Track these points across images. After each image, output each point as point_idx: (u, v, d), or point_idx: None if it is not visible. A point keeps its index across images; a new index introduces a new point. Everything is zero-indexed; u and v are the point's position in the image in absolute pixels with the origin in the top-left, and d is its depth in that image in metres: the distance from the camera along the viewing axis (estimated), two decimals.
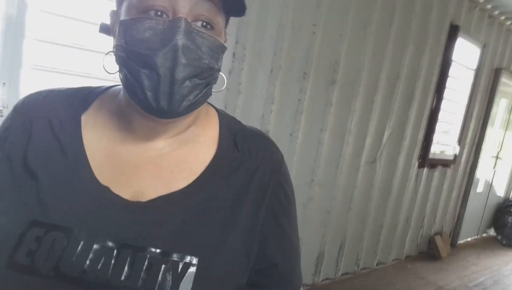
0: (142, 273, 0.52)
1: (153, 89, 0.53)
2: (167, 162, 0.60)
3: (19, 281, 0.52)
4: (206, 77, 0.56)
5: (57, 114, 0.62)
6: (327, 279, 2.91)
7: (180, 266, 0.53)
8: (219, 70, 0.58)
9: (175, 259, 0.54)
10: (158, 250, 0.54)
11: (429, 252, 3.92)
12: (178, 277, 0.53)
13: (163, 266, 0.53)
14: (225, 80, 0.63)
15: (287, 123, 2.33)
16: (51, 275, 0.51)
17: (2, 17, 1.36)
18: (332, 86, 2.49)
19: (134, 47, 0.53)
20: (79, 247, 0.52)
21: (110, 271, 0.52)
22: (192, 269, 0.54)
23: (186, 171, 0.60)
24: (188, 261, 0.54)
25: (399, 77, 2.96)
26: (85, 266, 0.52)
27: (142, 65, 0.53)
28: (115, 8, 0.59)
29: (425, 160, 3.50)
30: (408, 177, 3.40)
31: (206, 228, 0.57)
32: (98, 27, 0.63)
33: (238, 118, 2.22)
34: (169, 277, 0.52)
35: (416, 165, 3.46)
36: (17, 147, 0.60)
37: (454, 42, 3.36)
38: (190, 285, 0.53)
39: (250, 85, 2.09)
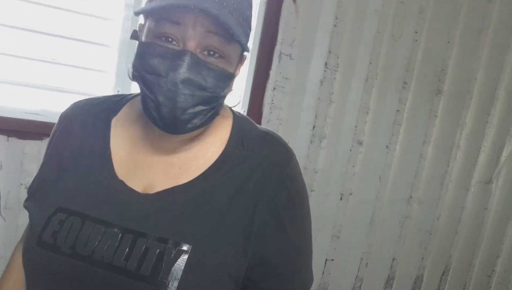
0: (139, 256, 0.58)
1: (158, 112, 0.58)
2: (177, 160, 0.66)
3: (45, 256, 0.61)
4: (211, 103, 0.60)
5: (91, 117, 0.71)
6: None
7: (174, 252, 0.57)
8: (224, 96, 0.62)
9: (170, 245, 0.58)
10: (156, 236, 0.59)
11: None
12: (171, 262, 0.57)
13: (158, 251, 0.57)
14: (241, 100, 0.68)
15: (383, 134, 2.23)
16: (68, 253, 0.60)
17: None
18: (438, 96, 2.31)
19: (144, 70, 0.58)
20: (91, 231, 0.60)
21: (114, 253, 0.59)
22: (185, 256, 0.57)
23: (193, 168, 0.65)
24: (182, 248, 0.58)
25: None
26: (95, 247, 0.59)
27: (149, 89, 0.58)
28: (142, 22, 0.65)
29: None
30: None
31: (202, 219, 0.61)
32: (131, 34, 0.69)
33: (329, 128, 2.22)
34: (162, 262, 0.57)
35: None
36: (58, 147, 0.71)
37: None
38: (181, 271, 0.56)
39: (343, 94, 2.05)
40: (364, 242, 2.34)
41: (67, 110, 0.76)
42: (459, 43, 2.27)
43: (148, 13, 0.59)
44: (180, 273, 0.57)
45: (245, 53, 0.65)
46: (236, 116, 0.71)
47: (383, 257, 2.44)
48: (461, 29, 2.26)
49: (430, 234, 2.56)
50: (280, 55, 1.85)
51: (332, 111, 2.05)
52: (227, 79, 0.61)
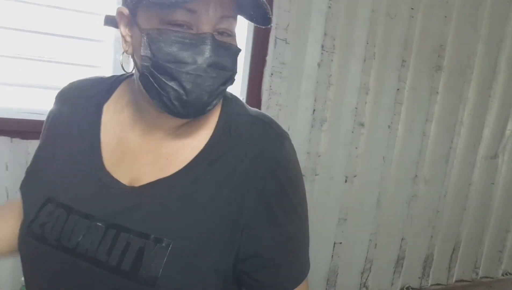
0: (121, 252, 0.57)
1: (180, 100, 0.56)
2: (166, 150, 0.63)
3: (34, 246, 0.62)
4: (228, 82, 0.61)
5: (82, 101, 0.70)
6: (437, 284, 2.67)
7: (154, 248, 0.56)
8: (236, 72, 0.62)
9: (150, 241, 0.56)
10: (138, 231, 0.57)
11: None
12: (151, 258, 0.56)
13: (138, 246, 0.56)
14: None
15: (384, 114, 2.21)
16: (54, 244, 0.60)
17: None
18: (438, 73, 2.29)
19: (162, 60, 0.55)
20: (75, 224, 0.60)
21: (96, 247, 0.58)
22: (165, 252, 0.56)
23: (180, 158, 0.62)
24: (162, 244, 0.56)
25: None
26: (79, 240, 0.59)
27: (170, 78, 0.56)
28: (120, 6, 0.61)
29: None
30: None
31: (186, 213, 0.59)
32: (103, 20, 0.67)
33: (329, 111, 2.19)
34: (142, 257, 0.56)
35: None
36: (51, 132, 0.70)
37: None
38: (161, 267, 0.55)
39: (341, 76, 2.04)
40: (372, 223, 2.34)
41: (61, 91, 0.74)
42: (457, 18, 2.24)
43: (157, 3, 0.54)
44: (160, 270, 0.55)
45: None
46: (226, 99, 0.67)
47: (392, 238, 2.44)
48: (459, 2, 2.23)
49: (438, 212, 2.55)
50: (275, 40, 1.84)
51: (331, 94, 2.04)
52: (238, 54, 0.61)
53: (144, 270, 0.55)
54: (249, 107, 0.69)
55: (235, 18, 0.59)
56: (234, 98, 0.69)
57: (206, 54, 0.55)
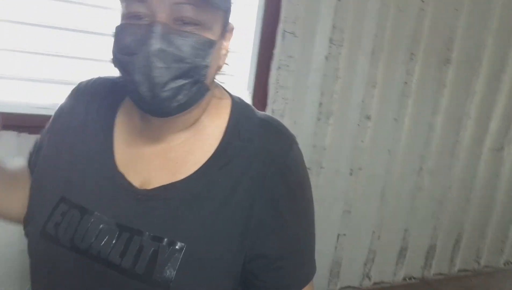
0: (134, 255, 0.57)
1: (137, 93, 0.55)
2: (175, 154, 0.63)
3: (47, 247, 0.62)
4: (193, 75, 0.56)
5: (98, 101, 0.69)
6: (440, 274, 2.71)
7: (168, 251, 0.57)
8: (207, 66, 0.57)
9: (164, 244, 0.57)
10: (151, 235, 0.58)
11: None
12: (164, 261, 0.56)
13: (152, 249, 0.57)
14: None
15: (391, 107, 2.21)
16: (67, 245, 0.61)
17: None
18: (446, 66, 2.27)
19: (119, 53, 0.56)
20: (89, 225, 0.60)
21: (110, 249, 0.59)
22: (179, 255, 0.57)
23: (191, 162, 0.62)
24: (176, 247, 0.57)
25: None
26: (92, 241, 0.59)
27: (126, 71, 0.55)
28: None
29: None
30: None
31: (198, 217, 0.59)
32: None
33: (336, 104, 2.18)
34: (156, 261, 0.56)
35: None
36: (63, 126, 0.70)
37: None
38: (175, 270, 0.56)
39: (349, 69, 2.03)
40: (375, 215, 2.36)
41: (77, 86, 0.74)
42: (467, 10, 2.21)
43: None
44: (174, 272, 0.56)
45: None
46: (235, 103, 0.67)
47: (395, 229, 2.47)
48: None
49: (442, 204, 2.56)
50: (283, 33, 1.83)
51: (338, 87, 2.03)
52: (207, 46, 0.56)
53: (158, 273, 0.56)
54: (257, 110, 0.69)
55: (199, 6, 0.54)
56: (243, 103, 0.69)
57: (151, 43, 0.52)
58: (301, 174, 0.65)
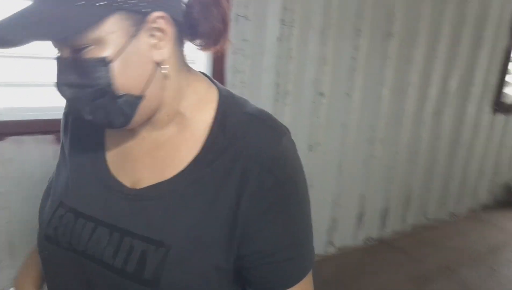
0: (125, 255, 0.59)
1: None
2: (163, 153, 0.64)
3: (50, 249, 0.65)
4: (103, 94, 0.55)
5: None
6: (394, 232, 2.94)
7: (156, 251, 0.58)
8: (110, 84, 0.55)
9: (152, 244, 0.59)
10: (141, 235, 0.60)
11: (507, 201, 3.73)
12: (153, 261, 0.58)
13: (141, 249, 0.59)
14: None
15: (342, 83, 2.31)
16: (66, 247, 0.63)
17: None
18: (388, 39, 2.39)
19: None
20: (83, 227, 0.63)
21: (103, 250, 0.61)
22: (167, 254, 0.58)
23: (177, 160, 0.62)
24: (164, 247, 0.58)
25: (465, 20, 2.74)
26: (87, 243, 0.62)
27: None
28: None
29: (500, 106, 3.27)
30: (480, 125, 3.21)
31: (185, 215, 0.60)
32: None
33: (291, 83, 2.21)
34: (145, 260, 0.58)
35: (489, 111, 3.25)
36: (69, 135, 0.73)
37: None
38: (163, 269, 0.57)
39: (301, 49, 2.08)
40: (334, 186, 2.49)
41: None
42: None
43: None
44: (163, 272, 0.57)
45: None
46: (222, 96, 0.65)
47: (353, 196, 2.62)
48: None
49: (393, 168, 2.75)
50: (236, 17, 1.83)
51: (292, 67, 2.08)
52: (101, 64, 0.53)
53: (148, 272, 0.58)
54: (249, 104, 0.66)
55: (55, 38, 0.54)
56: (230, 95, 0.66)
57: (55, 79, 0.57)
58: (292, 167, 0.62)
